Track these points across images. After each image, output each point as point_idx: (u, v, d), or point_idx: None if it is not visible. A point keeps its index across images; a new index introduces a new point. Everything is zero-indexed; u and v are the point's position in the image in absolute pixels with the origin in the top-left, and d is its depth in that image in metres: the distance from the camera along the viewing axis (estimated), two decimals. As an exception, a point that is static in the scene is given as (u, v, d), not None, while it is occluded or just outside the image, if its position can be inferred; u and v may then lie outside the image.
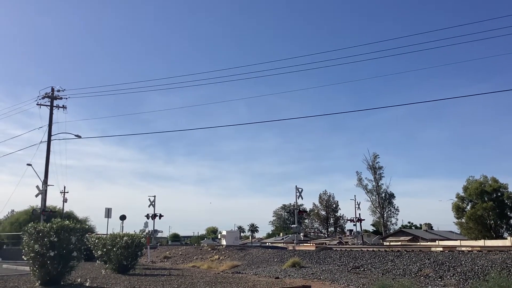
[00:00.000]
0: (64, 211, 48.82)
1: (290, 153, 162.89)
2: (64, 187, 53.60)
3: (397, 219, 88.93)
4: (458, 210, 67.91)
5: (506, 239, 53.77)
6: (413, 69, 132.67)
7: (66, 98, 37.43)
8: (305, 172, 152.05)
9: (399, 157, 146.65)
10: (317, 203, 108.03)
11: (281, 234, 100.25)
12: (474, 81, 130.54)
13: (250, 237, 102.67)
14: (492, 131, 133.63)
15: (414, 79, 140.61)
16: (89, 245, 19.66)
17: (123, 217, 41.73)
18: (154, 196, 48.65)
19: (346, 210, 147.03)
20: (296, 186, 44.31)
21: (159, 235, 59.31)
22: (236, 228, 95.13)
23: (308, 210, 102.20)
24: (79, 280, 14.19)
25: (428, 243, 50.26)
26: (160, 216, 48.52)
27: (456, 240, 60.73)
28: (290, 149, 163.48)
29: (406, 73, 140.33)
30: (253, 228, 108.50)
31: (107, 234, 24.58)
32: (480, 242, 49.90)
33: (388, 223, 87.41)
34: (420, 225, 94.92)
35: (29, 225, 13.57)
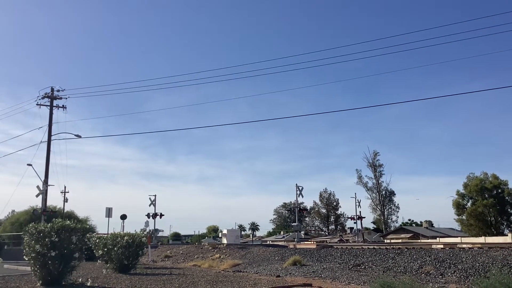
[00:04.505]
0: (65, 211, 48.89)
1: (291, 151, 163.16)
2: (65, 187, 53.73)
3: (397, 217, 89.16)
4: (459, 207, 67.93)
5: (507, 235, 53.77)
6: (414, 67, 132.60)
7: (66, 98, 37.45)
8: (306, 170, 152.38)
9: (400, 155, 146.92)
10: (317, 201, 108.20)
11: (281, 232, 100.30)
12: (475, 78, 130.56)
13: (251, 235, 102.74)
14: (493, 128, 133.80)
15: (415, 77, 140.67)
16: (90, 245, 19.69)
17: (123, 217, 41.77)
18: (155, 195, 48.72)
19: (346, 208, 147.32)
20: (296, 184, 44.42)
21: (160, 234, 59.30)
22: (237, 227, 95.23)
23: (308, 208, 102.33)
24: (80, 280, 14.20)
25: (429, 240, 50.29)
26: (161, 215, 48.56)
27: (457, 237, 60.75)
28: (291, 147, 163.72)
29: (407, 70, 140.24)
30: (254, 227, 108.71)
31: (108, 234, 24.61)
32: (481, 239, 49.90)
33: (389, 220, 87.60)
34: (421, 222, 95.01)
35: (30, 225, 13.56)
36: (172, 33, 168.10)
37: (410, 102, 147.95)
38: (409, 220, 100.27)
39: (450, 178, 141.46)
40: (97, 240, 19.57)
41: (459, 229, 72.91)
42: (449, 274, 14.02)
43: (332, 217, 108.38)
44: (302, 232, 74.27)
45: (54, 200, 79.60)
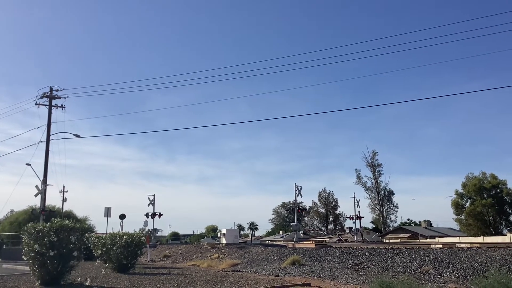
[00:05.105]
0: (64, 210, 48.77)
1: (290, 151, 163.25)
2: (64, 186, 53.56)
3: (396, 216, 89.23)
4: (457, 206, 67.99)
5: (506, 235, 53.91)
6: (412, 67, 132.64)
7: (65, 98, 37.41)
8: (305, 170, 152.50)
9: (399, 155, 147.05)
10: (316, 200, 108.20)
11: (280, 232, 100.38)
12: (473, 78, 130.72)
13: (250, 235, 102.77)
14: (492, 128, 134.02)
15: (413, 77, 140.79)
16: (89, 245, 19.64)
17: (122, 216, 41.73)
18: (154, 195, 48.81)
19: (345, 207, 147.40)
20: (295, 184, 44.32)
21: (159, 234, 59.38)
22: (236, 227, 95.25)
23: (307, 208, 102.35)
24: (79, 279, 14.19)
25: (428, 240, 50.37)
26: (160, 215, 48.65)
27: (456, 236, 60.86)
28: (290, 147, 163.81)
29: (405, 70, 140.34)
30: (253, 226, 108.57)
31: (106, 233, 24.58)
32: (480, 239, 50.01)
33: (388, 220, 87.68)
34: (420, 222, 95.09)
35: (29, 225, 13.56)
36: (171, 33, 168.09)
37: (408, 102, 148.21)
38: (408, 220, 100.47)
39: (449, 178, 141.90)
40: (96, 240, 19.54)
41: (458, 229, 73.03)
42: (448, 273, 14.04)
43: (331, 216, 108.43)
44: (301, 231, 74.29)
45: (53, 199, 79.94)
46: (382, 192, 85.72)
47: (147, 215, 47.73)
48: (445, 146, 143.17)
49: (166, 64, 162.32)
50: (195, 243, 53.65)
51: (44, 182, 34.89)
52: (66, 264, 13.41)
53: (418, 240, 53.99)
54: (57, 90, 37.23)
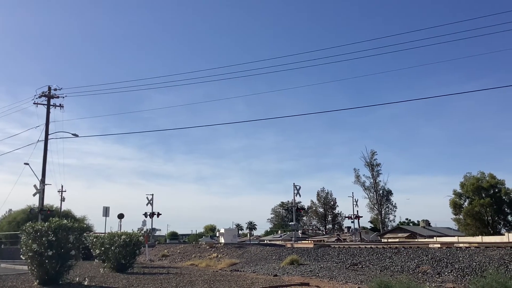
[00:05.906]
0: (62, 210, 48.70)
1: (289, 150, 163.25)
2: (62, 186, 53.37)
3: (394, 216, 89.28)
4: (456, 206, 68.05)
5: (504, 235, 53.99)
6: (412, 66, 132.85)
7: (63, 97, 37.42)
8: (304, 169, 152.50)
9: (397, 154, 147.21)
10: (315, 200, 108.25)
11: (279, 231, 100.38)
12: (472, 78, 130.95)
13: (248, 234, 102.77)
14: (490, 127, 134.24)
15: (413, 76, 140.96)
16: (87, 244, 19.66)
17: (121, 216, 41.64)
18: (152, 195, 48.64)
19: (344, 207, 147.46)
20: (294, 183, 44.23)
21: (157, 233, 59.23)
22: (234, 226, 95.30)
23: (306, 207, 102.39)
24: (77, 279, 14.18)
25: (426, 240, 50.44)
26: (158, 214, 48.51)
27: (454, 236, 60.94)
28: (289, 146, 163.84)
29: (405, 70, 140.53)
30: (251, 226, 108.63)
31: (105, 233, 24.56)
32: (478, 238, 50.07)
33: (386, 220, 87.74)
34: (418, 221, 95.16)
35: (27, 224, 13.55)
36: (170, 33, 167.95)
37: (406, 102, 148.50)
38: (406, 219, 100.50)
39: (447, 178, 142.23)
40: (94, 240, 19.54)
41: (456, 229, 73.08)
42: (446, 273, 14.06)
43: (329, 216, 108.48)
44: (299, 231, 74.35)
45: (51, 199, 79.97)
46: (381, 191, 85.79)
47: (145, 214, 47.56)
48: (444, 145, 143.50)
49: (164, 64, 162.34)
50: (194, 242, 53.65)
51: (43, 181, 34.85)
52: (65, 263, 13.41)
53: (416, 240, 54.04)
54: (55, 90, 37.25)
